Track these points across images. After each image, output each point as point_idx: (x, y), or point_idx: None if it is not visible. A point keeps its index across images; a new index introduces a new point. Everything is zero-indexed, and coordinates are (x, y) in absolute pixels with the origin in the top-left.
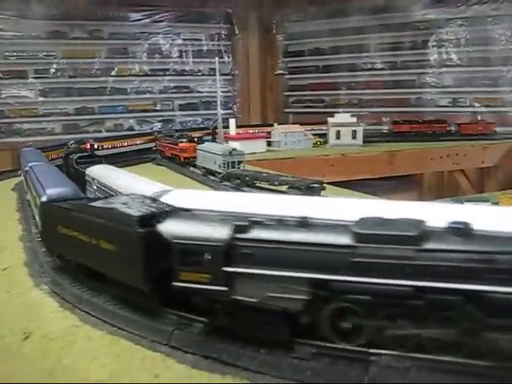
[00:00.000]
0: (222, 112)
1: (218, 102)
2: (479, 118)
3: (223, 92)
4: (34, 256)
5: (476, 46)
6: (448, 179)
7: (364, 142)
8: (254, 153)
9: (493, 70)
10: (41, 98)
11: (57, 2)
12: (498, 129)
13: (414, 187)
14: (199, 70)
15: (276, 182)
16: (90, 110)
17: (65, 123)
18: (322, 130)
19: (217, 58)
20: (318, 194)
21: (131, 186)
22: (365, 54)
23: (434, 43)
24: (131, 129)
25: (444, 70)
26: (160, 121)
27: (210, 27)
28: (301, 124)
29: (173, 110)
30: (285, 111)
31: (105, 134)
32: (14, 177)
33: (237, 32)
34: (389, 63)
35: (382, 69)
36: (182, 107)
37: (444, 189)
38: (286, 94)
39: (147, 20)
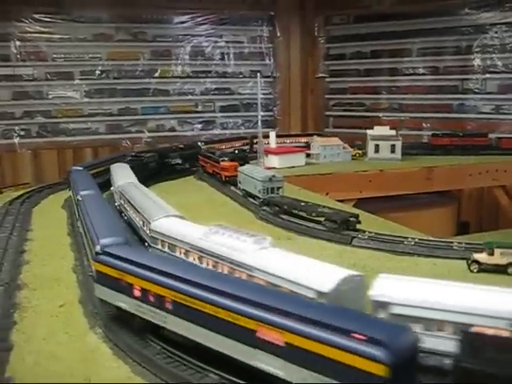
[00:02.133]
0: (263, 114)
1: (259, 118)
2: None
3: (264, 94)
4: (88, 293)
5: None
6: (487, 195)
7: (403, 154)
8: (293, 167)
9: None
10: (86, 99)
11: (104, 5)
12: None
13: (451, 202)
14: (240, 72)
15: (313, 214)
16: (133, 111)
17: (108, 123)
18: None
19: (259, 82)
20: (354, 228)
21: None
22: (406, 59)
23: (478, 49)
24: (172, 129)
25: (488, 76)
26: (201, 122)
27: (252, 29)
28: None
29: (214, 111)
30: (325, 114)
31: (148, 135)
32: (63, 190)
33: (278, 34)
34: (431, 68)
35: (423, 74)
36: (222, 109)
37: (483, 205)
38: (327, 96)
39: (190, 22)
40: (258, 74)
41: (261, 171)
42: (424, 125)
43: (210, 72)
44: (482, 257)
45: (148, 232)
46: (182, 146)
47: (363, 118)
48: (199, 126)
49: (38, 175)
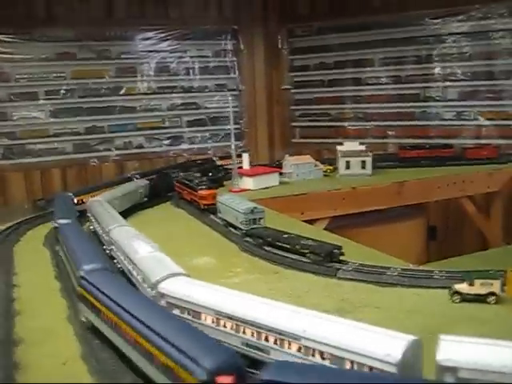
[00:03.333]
0: (229, 127)
1: (232, 142)
2: (483, 130)
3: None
4: (89, 347)
5: (479, 60)
6: (455, 205)
7: (372, 167)
8: (267, 187)
9: (496, 83)
10: (52, 119)
11: (66, 23)
12: (501, 141)
13: (421, 213)
14: (206, 87)
15: (297, 246)
16: (100, 129)
17: (75, 142)
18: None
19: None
20: (338, 260)
21: None
22: (369, 69)
23: (438, 57)
24: (140, 146)
25: (448, 83)
26: (168, 137)
27: (216, 44)
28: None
29: (181, 126)
30: (292, 125)
31: (116, 152)
32: (42, 223)
33: (242, 48)
34: (393, 77)
35: (386, 83)
36: (190, 123)
37: (450, 213)
38: (293, 108)
39: (154, 39)
40: (229, 99)
41: (241, 202)
42: (389, 133)
43: (175, 87)
44: (462, 287)
45: (153, 292)
46: (199, 161)
47: (329, 127)
48: (167, 141)
49: (4, 199)
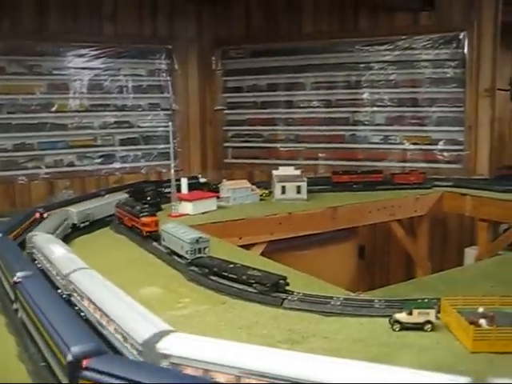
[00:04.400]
0: (162, 146)
1: (172, 165)
2: (408, 154)
3: (164, 127)
4: None
5: (404, 87)
6: (384, 227)
7: (307, 191)
8: (205, 212)
9: (420, 110)
10: None
11: None
12: (424, 165)
13: (353, 236)
14: (139, 106)
15: (244, 277)
16: (29, 146)
17: (3, 159)
18: None
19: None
20: (284, 290)
21: None
22: (301, 92)
23: (366, 83)
24: (71, 164)
25: (376, 109)
26: (101, 156)
27: (150, 63)
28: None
29: (113, 144)
30: (224, 145)
31: (45, 170)
32: None
33: (177, 67)
34: (324, 101)
35: (317, 106)
36: (122, 142)
37: (380, 236)
38: (225, 128)
39: (88, 56)
40: (170, 126)
41: (186, 231)
42: (320, 155)
43: (108, 105)
44: (402, 316)
45: (146, 352)
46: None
47: (261, 148)
48: (99, 160)
49: None
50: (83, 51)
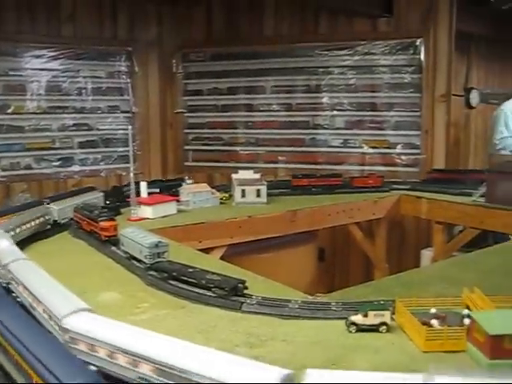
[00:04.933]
0: (122, 149)
1: (131, 169)
2: (367, 157)
3: (123, 130)
4: None
5: (363, 92)
6: (343, 230)
7: (267, 195)
8: (165, 216)
9: (379, 114)
10: None
11: None
12: (382, 168)
13: (312, 238)
14: (99, 108)
15: (203, 281)
16: None
17: None
18: None
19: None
20: (242, 294)
21: None
22: (261, 96)
23: (326, 88)
24: (29, 167)
25: (335, 112)
26: (59, 159)
27: (110, 65)
28: None
29: (72, 147)
30: (185, 148)
31: (1, 174)
32: None
33: (137, 70)
34: (284, 105)
35: (277, 110)
36: (81, 145)
37: (339, 239)
38: (186, 131)
39: (46, 57)
40: (129, 129)
41: (145, 236)
42: (280, 158)
43: (67, 108)
44: (358, 318)
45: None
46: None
47: (221, 151)
48: (57, 162)
49: None
50: (41, 52)
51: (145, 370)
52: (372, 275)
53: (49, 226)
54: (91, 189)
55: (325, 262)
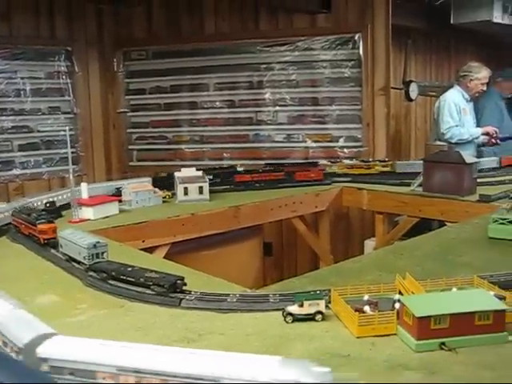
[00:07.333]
0: (64, 151)
1: (70, 171)
2: (310, 151)
3: (65, 131)
4: None
5: (305, 87)
6: (288, 224)
7: (210, 192)
8: (107, 216)
9: (320, 109)
10: None
11: None
12: (326, 161)
13: (257, 233)
14: (39, 109)
15: (142, 279)
16: None
17: None
18: None
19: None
20: (181, 290)
21: None
22: (205, 93)
23: (268, 84)
24: None
25: (278, 108)
26: None
27: (49, 65)
28: None
29: (12, 150)
30: (129, 148)
31: None
32: None
33: (77, 70)
34: (227, 101)
35: (221, 107)
36: (21, 147)
37: (283, 231)
38: (129, 131)
39: None
40: (67, 129)
41: (83, 237)
42: (225, 155)
43: (5, 110)
44: (294, 309)
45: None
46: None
47: (166, 150)
48: None
49: None
50: None
51: None
52: (319, 267)
53: None
54: None
55: (273, 256)
